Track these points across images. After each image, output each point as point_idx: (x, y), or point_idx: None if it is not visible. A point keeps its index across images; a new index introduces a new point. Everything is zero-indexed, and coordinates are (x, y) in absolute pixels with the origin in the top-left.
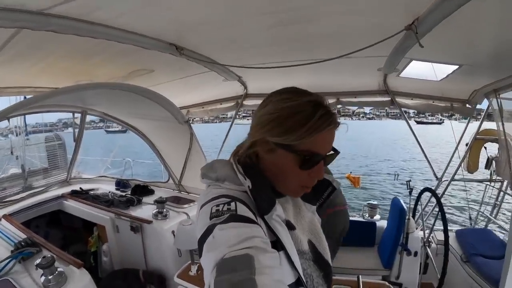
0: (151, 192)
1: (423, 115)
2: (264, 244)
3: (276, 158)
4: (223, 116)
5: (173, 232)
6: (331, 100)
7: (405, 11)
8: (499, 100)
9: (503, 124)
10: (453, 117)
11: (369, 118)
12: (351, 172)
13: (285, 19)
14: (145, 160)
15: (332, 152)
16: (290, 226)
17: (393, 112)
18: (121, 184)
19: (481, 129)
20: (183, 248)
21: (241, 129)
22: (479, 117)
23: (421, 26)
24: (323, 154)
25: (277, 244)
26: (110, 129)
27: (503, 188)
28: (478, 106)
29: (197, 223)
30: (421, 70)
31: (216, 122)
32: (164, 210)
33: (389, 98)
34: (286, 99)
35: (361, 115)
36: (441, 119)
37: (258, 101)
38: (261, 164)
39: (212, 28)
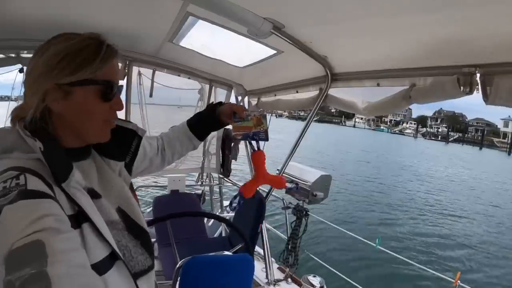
0: None
1: None
2: (58, 223)
3: (76, 102)
4: None
5: None
6: None
7: None
8: None
9: None
10: None
11: None
12: None
13: None
14: None
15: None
16: (94, 195)
17: None
18: None
19: None
20: None
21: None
22: None
23: None
24: (116, 83)
25: (79, 216)
26: None
27: None
28: None
29: None
30: None
31: None
32: None
33: None
34: (68, 39)
35: None
36: None
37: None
38: (53, 122)
39: None
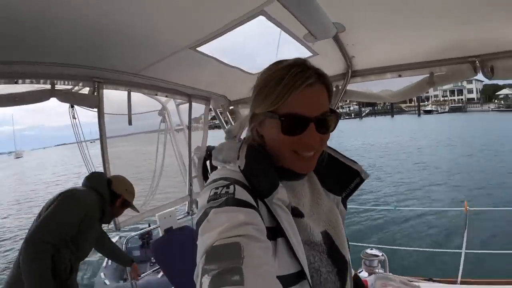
0: None
1: None
2: (256, 232)
3: (267, 129)
4: None
5: None
6: None
7: None
8: None
9: None
10: None
11: None
12: None
13: None
14: None
15: (328, 114)
16: (297, 214)
17: None
18: None
19: None
20: None
21: None
22: None
23: None
24: (307, 115)
25: (276, 231)
26: None
27: None
28: None
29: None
30: None
31: None
32: None
33: None
34: (266, 70)
35: None
36: None
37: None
38: (265, 143)
39: None
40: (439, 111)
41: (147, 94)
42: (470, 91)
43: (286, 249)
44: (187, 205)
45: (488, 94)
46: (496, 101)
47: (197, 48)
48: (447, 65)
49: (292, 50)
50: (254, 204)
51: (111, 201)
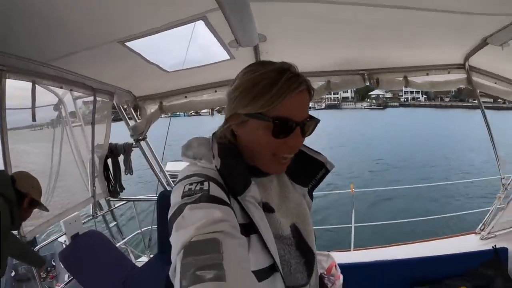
0: None
1: None
2: (232, 228)
3: (249, 130)
4: None
5: None
6: None
7: None
8: None
9: None
10: None
11: None
12: None
13: None
14: None
15: (309, 119)
16: (268, 209)
17: None
18: None
19: None
20: None
21: None
22: None
23: None
24: (296, 120)
25: (249, 227)
26: None
27: None
28: None
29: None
30: None
31: None
32: None
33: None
34: (250, 71)
35: None
36: None
37: None
38: (238, 142)
39: None
40: (316, 108)
41: (47, 86)
42: (345, 90)
43: (260, 244)
44: (91, 207)
45: (362, 94)
46: (368, 100)
47: (126, 43)
48: (342, 75)
49: (217, 51)
50: (228, 201)
51: (17, 202)
